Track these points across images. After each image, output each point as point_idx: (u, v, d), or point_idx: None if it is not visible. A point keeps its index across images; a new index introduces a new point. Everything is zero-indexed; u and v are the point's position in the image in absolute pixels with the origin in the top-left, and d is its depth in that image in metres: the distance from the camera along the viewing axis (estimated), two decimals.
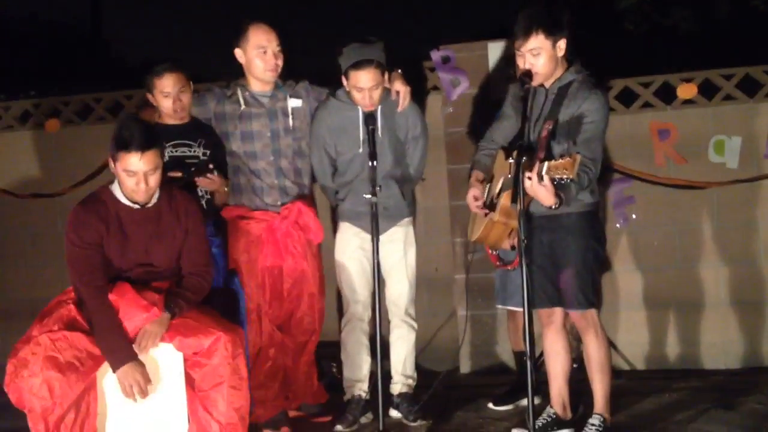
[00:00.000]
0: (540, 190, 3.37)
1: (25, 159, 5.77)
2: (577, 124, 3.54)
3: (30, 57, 11.53)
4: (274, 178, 4.16)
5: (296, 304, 4.20)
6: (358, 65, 3.96)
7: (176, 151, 4.03)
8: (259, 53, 4.08)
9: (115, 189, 3.54)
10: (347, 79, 4.02)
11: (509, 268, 4.06)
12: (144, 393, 3.34)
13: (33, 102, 5.87)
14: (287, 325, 4.21)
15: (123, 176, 3.44)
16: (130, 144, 3.39)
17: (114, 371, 3.32)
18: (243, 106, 4.15)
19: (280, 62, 4.13)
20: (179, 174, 3.91)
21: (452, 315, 5.21)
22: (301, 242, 4.17)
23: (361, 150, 4.05)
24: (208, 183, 3.98)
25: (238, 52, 4.14)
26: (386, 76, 4.07)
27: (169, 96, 4.00)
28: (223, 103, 4.18)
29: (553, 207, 3.43)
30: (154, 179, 3.48)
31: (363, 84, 3.98)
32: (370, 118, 3.96)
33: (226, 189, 4.11)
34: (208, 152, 4.08)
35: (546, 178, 3.34)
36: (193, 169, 3.98)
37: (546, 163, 3.33)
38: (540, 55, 3.56)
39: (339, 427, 4.11)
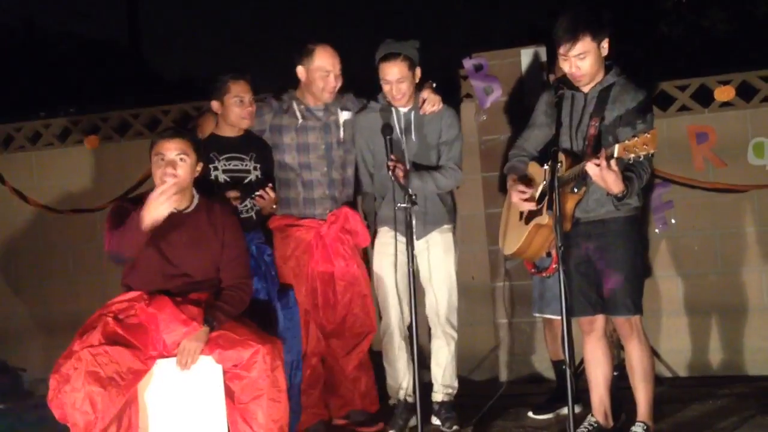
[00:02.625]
0: (609, 175, 3.33)
1: (66, 175, 5.87)
2: (628, 115, 3.50)
3: (69, 74, 11.73)
4: (326, 188, 4.23)
5: (349, 308, 4.24)
6: (386, 57, 4.08)
7: (229, 164, 4.09)
8: (323, 75, 4.17)
9: None
10: (379, 73, 4.11)
11: (544, 275, 4.03)
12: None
13: (72, 119, 5.97)
14: (341, 328, 4.25)
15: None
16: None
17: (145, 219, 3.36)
18: (300, 120, 4.22)
19: (339, 85, 4.21)
20: (237, 194, 3.99)
21: (492, 324, 5.19)
22: (350, 246, 4.24)
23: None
24: (266, 202, 4.04)
25: (300, 70, 4.21)
26: (417, 73, 4.12)
27: (243, 102, 4.06)
28: (281, 116, 4.24)
29: (620, 196, 3.39)
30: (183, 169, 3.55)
31: (390, 76, 4.07)
32: (386, 127, 4.01)
33: (274, 206, 4.16)
34: (259, 166, 4.14)
35: (613, 162, 3.31)
36: (248, 190, 4.04)
37: (616, 146, 3.28)
38: (586, 59, 3.53)
39: None
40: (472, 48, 5.31)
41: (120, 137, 5.85)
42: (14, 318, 5.88)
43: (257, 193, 4.00)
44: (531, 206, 3.72)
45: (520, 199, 3.74)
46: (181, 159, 3.55)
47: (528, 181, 3.81)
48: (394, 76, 4.07)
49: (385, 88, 4.13)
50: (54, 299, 5.80)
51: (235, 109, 4.06)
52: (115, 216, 3.57)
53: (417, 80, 4.16)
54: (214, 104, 4.10)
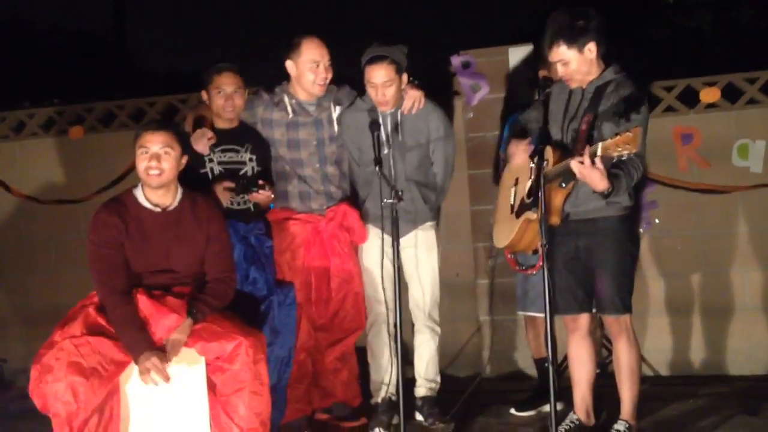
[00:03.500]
0: (593, 173, 3.34)
1: (49, 165, 5.84)
2: (614, 111, 3.51)
3: (54, 65, 11.67)
4: (320, 184, 4.22)
5: (342, 304, 4.24)
6: (372, 60, 4.05)
7: (224, 156, 4.07)
8: (312, 67, 4.14)
9: (138, 192, 3.57)
10: (364, 75, 4.09)
11: (529, 272, 4.05)
12: (164, 375, 3.31)
13: (57, 109, 5.93)
14: (329, 323, 4.25)
15: (139, 161, 3.52)
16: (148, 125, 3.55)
17: (136, 362, 3.33)
18: (291, 115, 4.20)
19: (329, 76, 4.19)
20: (232, 185, 3.97)
21: (475, 320, 5.19)
22: (346, 243, 4.24)
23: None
24: (262, 198, 4.02)
25: (289, 64, 4.18)
26: (404, 79, 4.09)
27: (223, 94, 4.04)
28: (271, 110, 4.23)
29: (606, 192, 3.40)
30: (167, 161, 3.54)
31: (375, 79, 4.04)
32: (374, 124, 3.98)
33: (272, 197, 4.14)
34: (255, 157, 4.12)
35: (598, 160, 3.32)
36: (243, 181, 4.01)
37: (600, 144, 3.29)
38: (568, 64, 3.58)
39: (377, 429, 4.13)
40: (462, 46, 5.32)
41: (104, 128, 5.82)
42: None
43: (253, 188, 3.97)
44: (524, 159, 3.75)
45: (516, 152, 3.77)
46: (165, 152, 3.54)
47: (515, 183, 3.83)
48: (380, 79, 4.03)
49: (371, 91, 4.09)
50: (36, 290, 5.76)
51: (218, 101, 4.05)
52: (98, 262, 3.50)
53: (403, 86, 4.12)
54: (203, 95, 4.10)
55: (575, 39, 3.55)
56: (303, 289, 4.14)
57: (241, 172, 4.08)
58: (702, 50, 8.16)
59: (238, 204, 4.04)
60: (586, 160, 3.33)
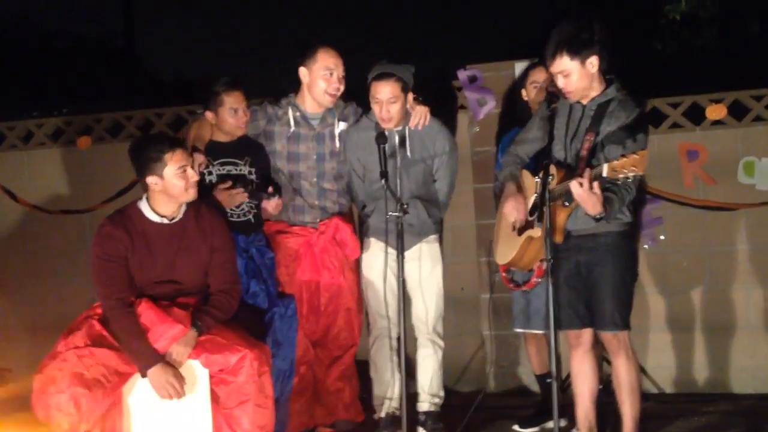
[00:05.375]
0: (591, 197, 3.35)
1: (57, 175, 5.85)
2: (620, 133, 3.51)
3: (63, 73, 11.71)
4: (316, 198, 4.22)
5: (333, 319, 4.24)
6: (378, 77, 4.06)
7: (223, 169, 4.07)
8: (326, 75, 4.14)
9: (143, 205, 3.58)
10: (370, 93, 4.10)
11: (524, 289, 4.05)
12: (179, 393, 3.35)
13: (65, 119, 5.96)
14: (324, 339, 4.24)
15: (173, 175, 3.50)
16: (166, 144, 3.54)
17: (143, 375, 3.35)
18: (293, 128, 4.20)
19: (342, 88, 4.19)
20: (243, 190, 3.98)
21: (479, 335, 5.19)
22: (338, 257, 4.22)
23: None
24: (273, 206, 4.03)
25: (302, 71, 4.19)
26: (409, 98, 4.11)
27: (237, 112, 4.05)
28: (274, 123, 4.23)
29: (598, 217, 3.41)
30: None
31: (380, 95, 4.05)
32: (381, 136, 3.98)
33: (281, 206, 4.14)
34: (254, 170, 4.12)
35: (596, 185, 3.33)
36: (252, 186, 4.03)
37: (604, 165, 3.29)
38: (570, 76, 3.57)
39: None
40: (468, 60, 5.33)
41: (112, 139, 5.84)
42: (1, 317, 5.84)
43: (265, 195, 3.98)
44: (521, 219, 3.74)
45: (512, 210, 3.75)
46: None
47: (522, 192, 3.84)
48: (386, 95, 4.04)
49: (375, 107, 4.09)
50: (41, 300, 5.77)
51: (230, 120, 4.05)
52: (102, 275, 3.51)
53: (408, 104, 4.13)
54: (209, 115, 4.07)
55: (578, 51, 3.54)
56: (297, 303, 4.11)
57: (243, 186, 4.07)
58: (709, 66, 8.15)
59: (239, 216, 4.04)
60: (586, 183, 3.34)
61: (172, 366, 3.38)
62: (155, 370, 3.34)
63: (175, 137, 3.82)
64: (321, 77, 4.14)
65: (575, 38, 3.56)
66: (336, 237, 4.22)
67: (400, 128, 4.17)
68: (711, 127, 5.09)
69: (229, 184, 3.99)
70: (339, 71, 4.16)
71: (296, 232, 4.19)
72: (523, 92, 4.47)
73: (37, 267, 5.83)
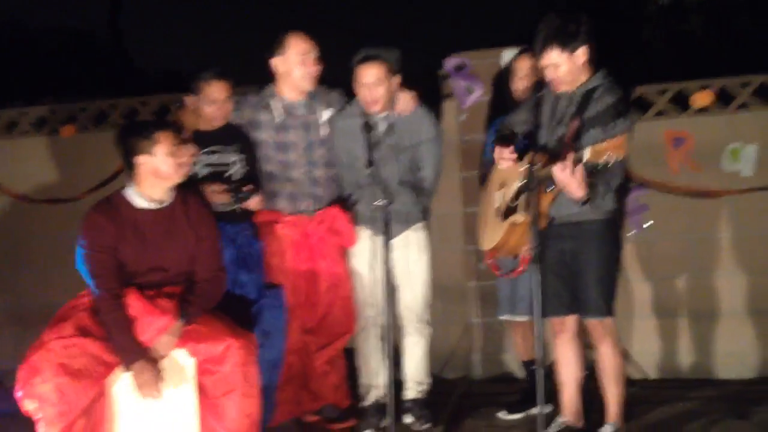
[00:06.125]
0: (572, 181, 3.36)
1: (41, 165, 5.82)
2: (600, 117, 3.51)
3: (50, 65, 11.64)
4: (308, 186, 4.20)
5: (330, 309, 4.24)
6: (363, 60, 4.06)
7: (211, 158, 4.06)
8: (300, 60, 4.12)
9: (129, 192, 3.57)
10: (354, 78, 4.09)
11: (511, 276, 4.07)
12: (159, 391, 3.35)
13: (49, 108, 5.92)
14: (318, 327, 4.24)
15: (164, 153, 3.50)
16: (157, 125, 3.57)
17: (127, 369, 3.34)
18: (279, 118, 4.18)
19: (319, 71, 4.17)
20: (227, 198, 3.96)
21: (465, 322, 5.21)
22: (335, 246, 4.22)
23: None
24: (254, 205, 4.02)
25: (275, 62, 4.16)
26: (395, 81, 4.10)
27: (214, 103, 4.03)
28: (259, 112, 4.21)
29: (582, 202, 3.43)
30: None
31: (365, 78, 4.04)
32: (366, 125, 3.98)
33: (263, 202, 4.12)
34: (242, 157, 4.11)
35: (578, 168, 3.34)
36: (234, 189, 4.00)
37: (585, 150, 3.30)
38: (559, 68, 3.58)
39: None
40: (453, 48, 5.33)
41: (97, 128, 5.81)
42: None
43: (241, 196, 3.97)
44: (511, 163, 3.71)
45: (505, 158, 3.72)
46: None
47: (501, 186, 3.83)
48: (370, 78, 4.03)
49: (361, 91, 4.09)
50: (27, 290, 5.74)
51: (207, 109, 4.04)
52: (91, 265, 3.50)
53: (394, 89, 4.12)
54: (189, 100, 4.08)
55: (567, 43, 3.56)
56: (292, 292, 4.13)
57: (227, 173, 4.06)
58: (695, 54, 8.18)
59: (224, 206, 4.02)
60: (568, 168, 3.35)
61: (155, 364, 3.37)
62: (139, 365, 3.34)
63: (162, 120, 3.82)
64: (296, 64, 4.12)
65: (563, 31, 3.56)
66: (333, 226, 4.21)
67: (385, 114, 4.16)
68: (697, 115, 5.11)
69: (228, 198, 3.98)
70: (313, 54, 4.14)
71: (291, 222, 4.18)
72: (513, 80, 4.45)
73: (23, 256, 5.80)
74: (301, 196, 4.20)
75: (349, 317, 4.27)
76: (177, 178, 3.56)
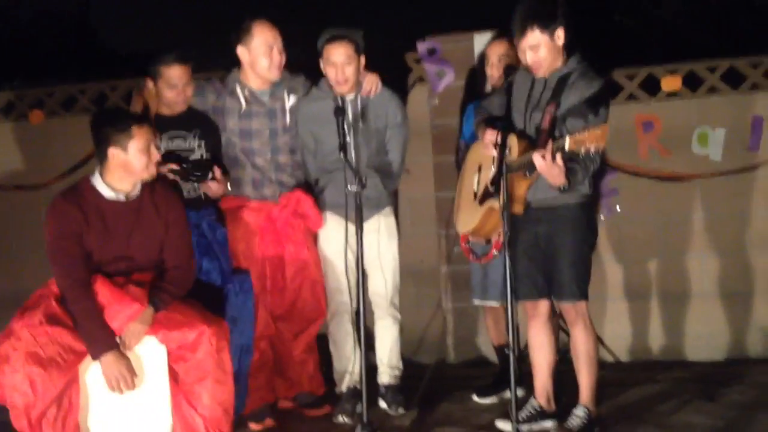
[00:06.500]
0: (553, 169, 3.38)
1: (9, 150, 5.73)
2: (581, 107, 3.54)
3: (15, 46, 11.43)
4: (272, 173, 4.18)
5: (298, 294, 4.22)
6: (332, 39, 4.06)
7: (172, 143, 4.01)
8: (265, 51, 4.08)
9: (96, 181, 3.53)
10: (322, 57, 4.08)
11: (483, 261, 4.09)
12: (129, 385, 3.33)
13: (17, 93, 5.83)
14: (289, 314, 4.23)
15: (138, 149, 3.47)
16: (134, 118, 3.53)
17: (95, 359, 3.32)
18: (244, 105, 4.15)
19: (283, 59, 4.14)
20: (176, 167, 3.87)
21: (438, 307, 5.23)
22: (301, 230, 4.20)
23: (338, 141, 4.06)
24: (217, 188, 3.96)
25: (240, 50, 4.12)
26: (362, 61, 4.11)
27: (175, 87, 3.98)
28: (223, 99, 4.17)
29: (562, 189, 3.44)
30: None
31: (335, 58, 4.04)
32: (339, 109, 3.97)
33: (229, 188, 4.06)
34: (203, 143, 4.06)
35: (558, 156, 3.35)
36: (191, 167, 3.91)
37: (566, 138, 3.31)
38: (538, 49, 3.58)
39: (341, 418, 4.13)
40: (423, 32, 5.31)
41: (66, 113, 5.73)
42: None
43: (200, 175, 3.90)
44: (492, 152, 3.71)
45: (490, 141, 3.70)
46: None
47: (478, 169, 3.84)
48: (340, 57, 4.03)
49: (330, 72, 4.08)
50: None
51: (167, 94, 4.00)
52: (57, 254, 3.45)
53: (361, 68, 4.12)
54: (149, 84, 4.03)
55: (547, 24, 3.56)
56: (259, 278, 4.11)
57: (191, 158, 4.02)
58: (666, 38, 8.22)
59: (188, 192, 3.99)
60: (548, 155, 3.36)
61: (125, 356, 3.35)
62: (108, 358, 3.31)
63: (141, 115, 3.76)
64: (261, 54, 4.09)
65: (543, 11, 3.57)
66: (298, 210, 4.19)
67: (352, 96, 4.15)
68: (666, 99, 5.14)
69: (176, 167, 3.89)
70: (278, 44, 4.11)
71: (256, 207, 4.15)
72: (487, 64, 4.44)
73: None
74: (265, 182, 4.17)
75: (319, 302, 4.26)
76: (146, 176, 3.53)
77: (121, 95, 5.63)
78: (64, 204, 3.47)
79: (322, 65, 4.13)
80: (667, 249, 5.12)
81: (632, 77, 5.18)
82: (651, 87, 5.19)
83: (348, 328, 4.24)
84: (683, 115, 5.10)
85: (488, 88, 4.48)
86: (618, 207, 5.13)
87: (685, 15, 8.44)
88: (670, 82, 5.09)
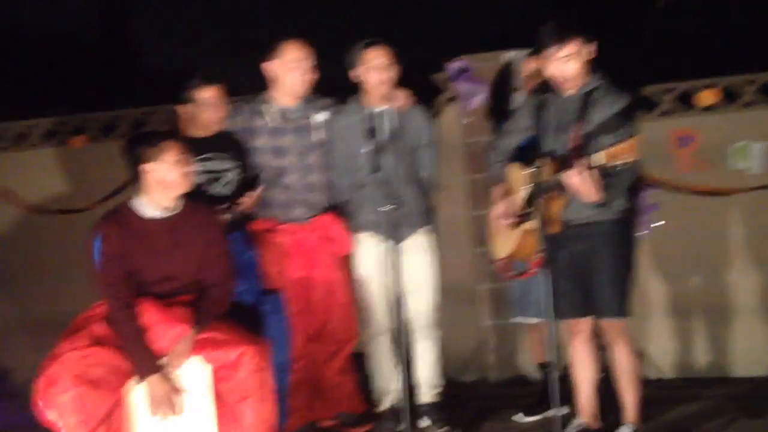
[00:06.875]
0: (586, 185, 3.37)
1: (51, 176, 5.86)
2: (610, 122, 3.52)
3: (55, 73, 11.66)
4: (303, 192, 4.19)
5: (328, 316, 4.22)
6: (371, 44, 4.09)
7: (205, 165, 4.04)
8: (295, 68, 4.12)
9: (136, 203, 3.57)
10: (358, 65, 4.09)
11: (521, 278, 4.07)
12: (173, 408, 3.35)
13: (58, 120, 5.95)
14: (320, 335, 4.23)
15: (171, 162, 3.50)
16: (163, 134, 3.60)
17: (141, 380, 3.34)
18: (272, 122, 4.18)
19: (314, 77, 4.17)
20: (224, 211, 3.93)
21: (477, 325, 5.21)
22: (329, 253, 4.20)
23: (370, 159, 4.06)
24: (248, 203, 4.00)
25: (269, 66, 4.16)
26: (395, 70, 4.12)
27: (211, 107, 4.03)
28: (252, 119, 4.20)
29: (598, 204, 3.43)
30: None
31: (377, 60, 4.06)
32: (371, 131, 3.97)
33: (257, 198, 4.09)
34: (237, 164, 4.09)
35: (591, 173, 3.34)
36: (228, 209, 3.97)
37: (596, 155, 3.30)
38: (572, 61, 3.56)
39: None
40: (446, 52, 5.34)
41: (105, 138, 5.83)
42: (1, 318, 5.85)
43: (237, 201, 3.96)
44: (512, 219, 3.74)
45: (501, 215, 3.78)
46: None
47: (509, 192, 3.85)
48: (382, 60, 4.06)
49: (371, 76, 4.06)
50: (41, 299, 5.78)
51: (203, 116, 4.04)
52: (103, 276, 3.49)
53: (394, 80, 4.13)
54: (184, 109, 4.07)
55: (585, 36, 3.55)
56: (290, 300, 4.11)
57: (226, 180, 4.05)
58: (696, 53, 8.19)
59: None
60: (579, 173, 3.36)
61: (169, 379, 3.37)
62: (153, 380, 3.34)
63: (170, 131, 3.83)
64: (290, 70, 4.12)
65: (580, 24, 3.57)
66: (327, 233, 4.20)
67: (386, 109, 4.14)
68: (703, 113, 5.11)
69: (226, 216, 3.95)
70: (308, 61, 4.15)
71: (285, 230, 4.16)
72: (520, 83, 4.46)
73: (35, 266, 5.84)
74: (294, 204, 4.18)
75: (350, 324, 4.25)
76: (183, 187, 3.56)
77: (159, 120, 5.72)
78: (106, 227, 3.52)
79: (357, 74, 4.11)
80: (709, 264, 5.07)
81: (668, 92, 5.16)
82: (687, 101, 5.16)
83: (387, 347, 4.23)
84: (721, 130, 5.07)
85: (515, 104, 4.49)
86: (657, 222, 5.09)
87: (713, 29, 8.42)
88: (707, 97, 5.07)
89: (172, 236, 3.57)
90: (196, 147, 4.00)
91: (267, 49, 4.17)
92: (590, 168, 3.35)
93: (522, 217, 3.74)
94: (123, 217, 3.54)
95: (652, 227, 5.09)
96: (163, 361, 3.40)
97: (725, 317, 5.04)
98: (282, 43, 4.14)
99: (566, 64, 3.57)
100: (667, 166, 5.07)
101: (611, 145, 3.31)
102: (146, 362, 3.35)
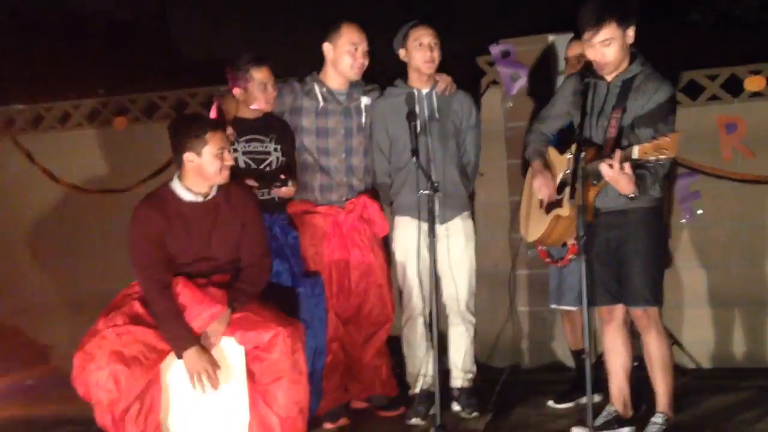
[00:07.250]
0: (622, 178, 3.33)
1: (94, 156, 5.94)
2: (651, 114, 3.47)
3: (99, 57, 11.80)
4: (344, 175, 4.22)
5: (364, 297, 4.24)
6: (420, 23, 4.16)
7: (249, 146, 4.08)
8: (350, 50, 4.16)
9: (175, 185, 3.62)
10: (405, 45, 4.16)
11: (559, 265, 4.04)
12: (213, 379, 3.39)
13: (101, 100, 6.03)
14: (356, 317, 4.25)
15: (211, 155, 3.54)
16: (209, 125, 3.63)
17: (178, 356, 3.40)
18: (321, 103, 4.21)
19: (366, 63, 4.20)
20: (254, 183, 3.97)
21: (512, 311, 5.19)
22: (367, 235, 4.23)
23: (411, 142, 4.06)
24: (285, 193, 4.03)
25: (326, 47, 4.20)
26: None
27: (266, 87, 4.06)
28: (301, 98, 4.23)
29: (631, 196, 3.39)
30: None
31: (425, 39, 4.12)
32: (411, 113, 3.97)
33: (293, 192, 4.12)
34: (280, 147, 4.11)
35: (627, 165, 3.30)
36: (265, 177, 4.01)
37: (635, 148, 3.26)
38: (611, 45, 3.49)
39: (414, 419, 4.14)
40: (491, 36, 5.28)
41: (148, 119, 5.90)
42: (43, 295, 5.98)
43: (276, 184, 3.98)
44: (550, 195, 3.71)
45: (542, 187, 3.74)
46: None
47: (549, 169, 3.81)
48: (431, 38, 4.12)
49: (419, 54, 4.12)
50: (81, 278, 5.89)
51: (259, 95, 4.06)
52: (140, 257, 3.53)
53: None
54: (236, 91, 4.07)
55: (623, 18, 3.47)
56: (326, 282, 4.14)
57: (266, 162, 4.08)
58: (746, 37, 7.99)
59: (262, 194, 4.03)
60: (616, 164, 3.31)
61: (208, 352, 3.42)
62: (191, 353, 3.39)
63: (216, 121, 3.85)
64: (346, 52, 4.15)
65: (621, 5, 3.48)
66: (364, 215, 4.22)
67: (428, 90, 4.18)
68: (749, 99, 5.00)
69: (255, 183, 3.99)
70: (363, 46, 4.18)
71: (323, 212, 4.19)
72: (566, 67, 4.40)
73: (76, 246, 5.94)
74: (335, 186, 4.21)
75: (386, 306, 4.27)
76: (219, 180, 3.60)
77: (199, 102, 5.76)
78: (146, 209, 3.57)
79: (404, 54, 4.18)
80: (750, 253, 4.97)
81: (714, 77, 5.05)
82: (733, 87, 5.05)
83: (422, 331, 4.25)
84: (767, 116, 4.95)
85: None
86: (700, 210, 5.01)
87: (763, 13, 8.20)
88: (754, 82, 4.95)
89: (209, 219, 3.61)
90: (242, 128, 4.05)
91: (325, 29, 4.21)
92: (624, 161, 3.30)
93: (555, 203, 3.70)
94: (163, 200, 3.59)
95: (693, 215, 5.00)
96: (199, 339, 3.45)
97: (764, 307, 4.94)
98: (341, 24, 4.18)
99: (604, 48, 3.50)
100: (712, 152, 4.97)
101: (651, 139, 3.26)
102: (182, 337, 3.41)
